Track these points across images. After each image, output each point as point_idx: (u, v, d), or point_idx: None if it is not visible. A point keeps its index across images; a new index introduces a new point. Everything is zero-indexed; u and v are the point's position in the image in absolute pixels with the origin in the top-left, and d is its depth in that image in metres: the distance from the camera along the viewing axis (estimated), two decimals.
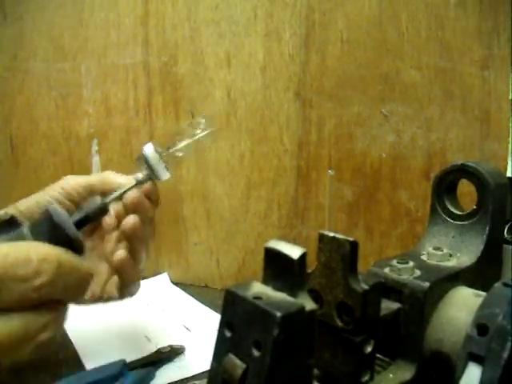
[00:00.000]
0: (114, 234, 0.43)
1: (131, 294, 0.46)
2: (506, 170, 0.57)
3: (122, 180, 0.44)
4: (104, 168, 0.79)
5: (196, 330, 0.58)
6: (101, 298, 0.44)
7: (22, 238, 0.32)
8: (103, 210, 0.38)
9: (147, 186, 0.44)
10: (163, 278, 0.75)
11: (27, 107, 0.82)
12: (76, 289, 0.32)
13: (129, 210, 0.42)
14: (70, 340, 0.55)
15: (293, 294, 0.23)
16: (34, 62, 0.81)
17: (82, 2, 0.76)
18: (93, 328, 0.59)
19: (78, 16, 0.76)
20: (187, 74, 0.72)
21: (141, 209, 0.43)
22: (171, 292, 0.71)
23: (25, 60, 0.81)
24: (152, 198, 0.45)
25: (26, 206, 0.40)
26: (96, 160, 0.79)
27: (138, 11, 0.73)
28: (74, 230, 0.33)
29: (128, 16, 0.74)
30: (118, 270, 0.42)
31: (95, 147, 0.79)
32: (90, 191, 0.43)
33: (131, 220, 0.42)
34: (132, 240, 0.42)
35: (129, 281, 0.44)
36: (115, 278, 0.44)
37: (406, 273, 0.32)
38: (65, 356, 0.52)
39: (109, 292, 0.44)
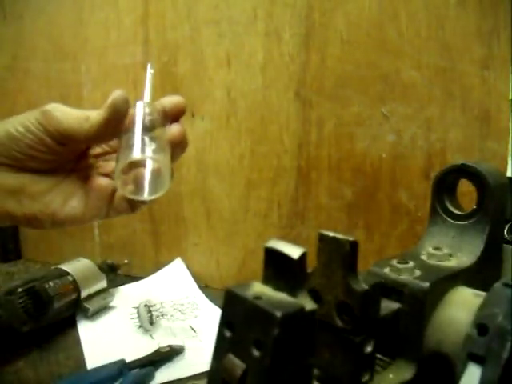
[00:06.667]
0: None
1: (145, 206, 0.43)
2: (506, 169, 0.57)
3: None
4: None
5: (201, 331, 0.58)
6: (107, 214, 0.41)
7: None
8: None
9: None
10: (178, 265, 0.75)
11: (27, 107, 0.81)
12: None
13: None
14: (73, 339, 0.56)
15: (293, 293, 0.23)
16: (34, 62, 0.81)
17: (81, 2, 0.76)
18: (99, 325, 0.59)
19: (77, 16, 0.77)
20: (187, 74, 0.72)
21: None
22: (184, 285, 0.71)
23: (25, 60, 0.81)
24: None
25: None
26: None
27: (138, 11, 0.73)
28: None
29: (128, 16, 0.74)
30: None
31: None
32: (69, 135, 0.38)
33: (177, 129, 0.39)
34: (173, 150, 0.39)
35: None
36: None
37: (406, 273, 0.32)
38: (65, 356, 0.52)
39: (117, 206, 0.41)
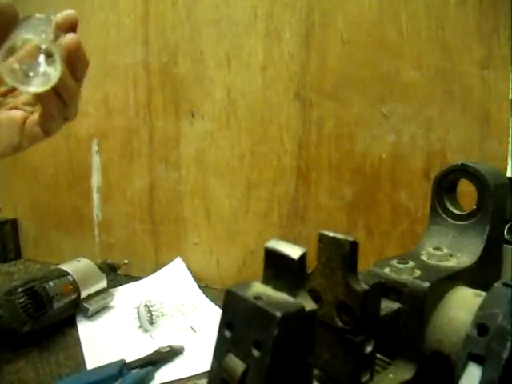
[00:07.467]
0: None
1: (57, 128, 0.42)
2: (506, 170, 0.57)
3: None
4: (104, 168, 0.79)
5: (201, 331, 0.58)
6: (21, 144, 0.42)
7: None
8: None
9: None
10: (178, 265, 0.75)
11: None
12: None
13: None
14: (73, 339, 0.56)
15: (293, 293, 0.23)
16: None
17: (81, 2, 0.76)
18: (99, 325, 0.59)
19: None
20: (187, 74, 0.72)
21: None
22: (184, 285, 0.71)
23: None
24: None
25: None
26: (96, 160, 0.79)
27: (138, 11, 0.73)
28: None
29: (128, 16, 0.74)
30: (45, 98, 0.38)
31: (95, 147, 0.79)
32: None
33: (71, 36, 0.37)
34: (72, 60, 0.38)
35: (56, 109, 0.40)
36: (33, 117, 0.42)
37: (406, 273, 0.32)
38: (65, 356, 0.52)
39: (30, 133, 0.42)
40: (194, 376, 0.48)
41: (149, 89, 0.74)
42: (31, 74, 0.36)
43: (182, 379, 0.48)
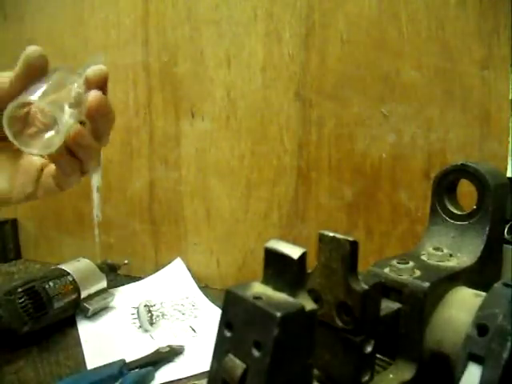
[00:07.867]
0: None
1: (71, 183, 0.41)
2: (506, 170, 0.57)
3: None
4: (104, 168, 0.79)
5: (201, 331, 0.58)
6: (35, 193, 0.41)
7: None
8: None
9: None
10: (177, 265, 0.75)
11: None
12: None
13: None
14: (73, 339, 0.56)
15: (293, 294, 0.23)
16: None
17: (81, 2, 0.76)
18: (99, 325, 0.59)
19: (78, 16, 0.77)
20: (187, 74, 0.72)
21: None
22: (184, 285, 0.71)
23: None
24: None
25: None
26: None
27: (138, 11, 0.73)
28: None
29: (128, 16, 0.74)
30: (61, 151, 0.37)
31: None
32: None
33: (94, 93, 0.36)
34: (93, 118, 0.37)
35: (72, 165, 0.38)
36: (50, 168, 0.41)
37: (406, 273, 0.32)
38: (65, 356, 0.52)
39: (45, 184, 0.41)
40: (193, 376, 0.48)
41: (149, 89, 0.74)
42: (33, 137, 0.36)
43: (182, 379, 0.48)
